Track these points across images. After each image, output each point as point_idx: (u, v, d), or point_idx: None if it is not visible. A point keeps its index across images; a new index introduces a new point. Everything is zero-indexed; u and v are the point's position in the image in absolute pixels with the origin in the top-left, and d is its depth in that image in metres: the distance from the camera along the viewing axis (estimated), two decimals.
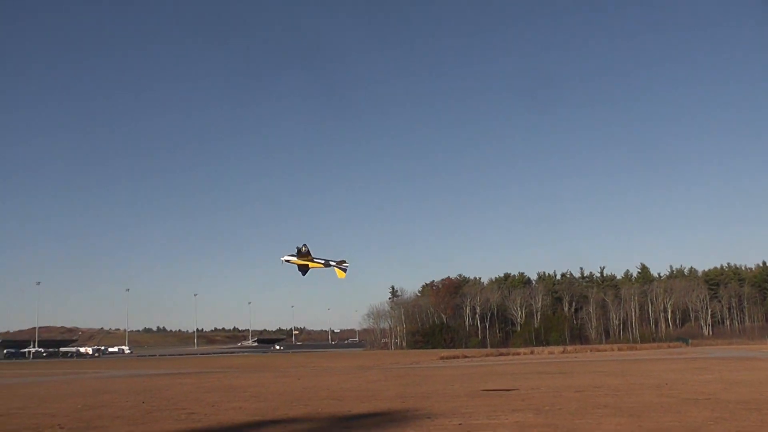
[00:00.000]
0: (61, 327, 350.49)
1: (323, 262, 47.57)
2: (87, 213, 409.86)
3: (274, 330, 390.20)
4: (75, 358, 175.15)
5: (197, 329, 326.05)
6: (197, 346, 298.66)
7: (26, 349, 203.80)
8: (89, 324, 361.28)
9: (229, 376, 59.19)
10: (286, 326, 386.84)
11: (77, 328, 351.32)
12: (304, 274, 48.26)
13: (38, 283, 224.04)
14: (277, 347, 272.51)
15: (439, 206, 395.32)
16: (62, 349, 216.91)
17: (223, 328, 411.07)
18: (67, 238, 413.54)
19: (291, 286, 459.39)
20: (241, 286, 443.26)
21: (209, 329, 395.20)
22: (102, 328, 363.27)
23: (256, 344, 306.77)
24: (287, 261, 47.11)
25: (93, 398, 34.45)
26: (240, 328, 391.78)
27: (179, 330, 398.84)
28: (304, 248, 46.47)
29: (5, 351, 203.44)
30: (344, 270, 48.17)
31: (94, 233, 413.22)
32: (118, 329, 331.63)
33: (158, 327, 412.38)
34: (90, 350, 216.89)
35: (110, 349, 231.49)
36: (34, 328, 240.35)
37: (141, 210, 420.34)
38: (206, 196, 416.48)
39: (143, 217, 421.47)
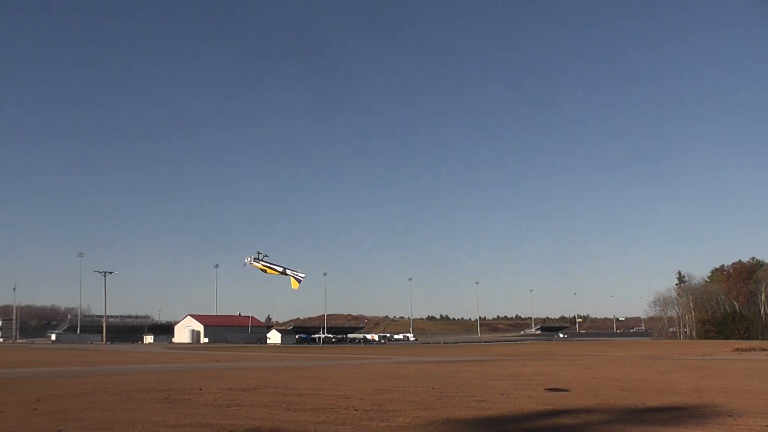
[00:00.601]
0: (348, 315, 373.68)
1: (281, 269, 47.98)
2: (372, 208, 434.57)
3: (556, 318, 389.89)
4: (362, 344, 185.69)
5: (480, 317, 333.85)
6: (480, 333, 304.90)
7: (316, 335, 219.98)
8: (374, 312, 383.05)
9: (515, 363, 59.68)
10: (568, 314, 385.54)
11: (363, 315, 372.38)
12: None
13: (325, 274, 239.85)
14: (561, 335, 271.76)
15: (727, 184, 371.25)
16: (350, 335, 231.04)
17: (506, 316, 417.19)
18: (353, 232, 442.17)
19: (573, 273, 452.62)
20: (523, 274, 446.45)
21: (491, 317, 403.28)
22: (386, 316, 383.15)
23: (539, 332, 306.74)
24: (250, 264, 48.27)
25: (382, 383, 35.95)
26: (522, 316, 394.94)
27: (462, 318, 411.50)
28: (258, 254, 47.35)
29: (297, 336, 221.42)
30: (299, 281, 48.73)
31: (378, 226, 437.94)
32: (403, 317, 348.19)
33: (441, 315, 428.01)
34: (376, 337, 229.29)
35: (395, 336, 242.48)
36: (323, 315, 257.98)
37: (428, 203, 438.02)
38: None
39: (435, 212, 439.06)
